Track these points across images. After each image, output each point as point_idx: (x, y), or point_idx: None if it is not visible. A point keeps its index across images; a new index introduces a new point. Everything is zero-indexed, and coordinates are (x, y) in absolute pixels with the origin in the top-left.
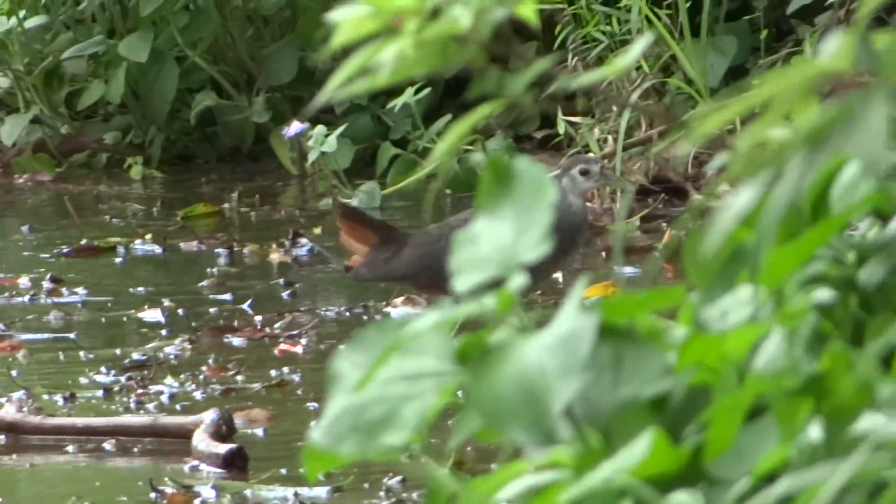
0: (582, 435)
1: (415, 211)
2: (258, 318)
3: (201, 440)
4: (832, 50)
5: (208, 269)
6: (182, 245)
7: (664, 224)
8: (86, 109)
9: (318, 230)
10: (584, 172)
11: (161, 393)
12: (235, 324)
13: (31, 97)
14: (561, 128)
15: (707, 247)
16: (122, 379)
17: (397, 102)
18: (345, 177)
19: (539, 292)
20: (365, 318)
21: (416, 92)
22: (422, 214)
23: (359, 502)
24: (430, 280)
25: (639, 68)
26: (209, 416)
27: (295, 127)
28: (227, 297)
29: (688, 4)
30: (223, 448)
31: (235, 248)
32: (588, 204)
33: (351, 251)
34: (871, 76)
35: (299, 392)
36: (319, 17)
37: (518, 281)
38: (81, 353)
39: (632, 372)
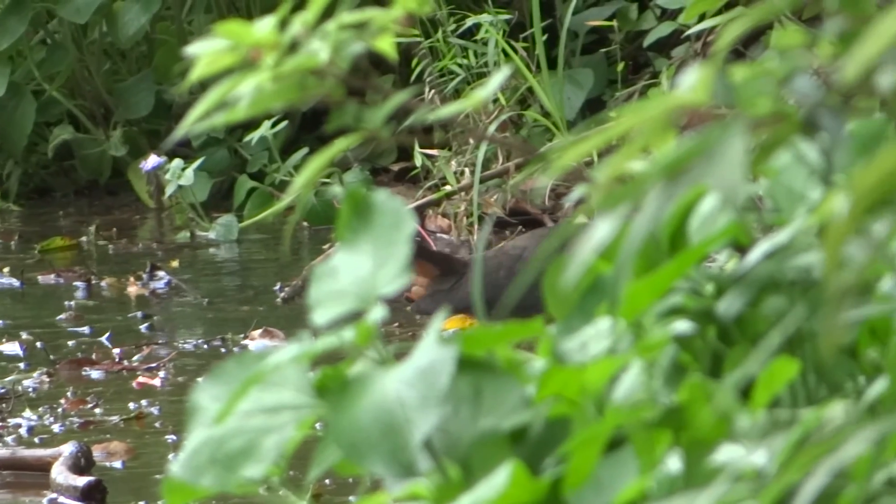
0: (441, 467)
1: (272, 244)
2: (116, 350)
3: (60, 473)
4: (690, 83)
5: (66, 303)
6: (40, 278)
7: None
8: None
9: (175, 263)
10: None
11: (19, 426)
12: (94, 357)
13: None
14: (418, 160)
15: (566, 279)
16: None
17: (254, 136)
18: (202, 210)
19: (396, 324)
20: (223, 350)
21: (274, 125)
22: (279, 247)
23: None
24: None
25: (496, 101)
26: (68, 448)
27: (152, 160)
28: (86, 329)
29: (544, 37)
30: (82, 481)
31: (93, 282)
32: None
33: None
34: (728, 109)
35: (158, 425)
36: (177, 51)
37: (377, 314)
38: None
39: (491, 404)
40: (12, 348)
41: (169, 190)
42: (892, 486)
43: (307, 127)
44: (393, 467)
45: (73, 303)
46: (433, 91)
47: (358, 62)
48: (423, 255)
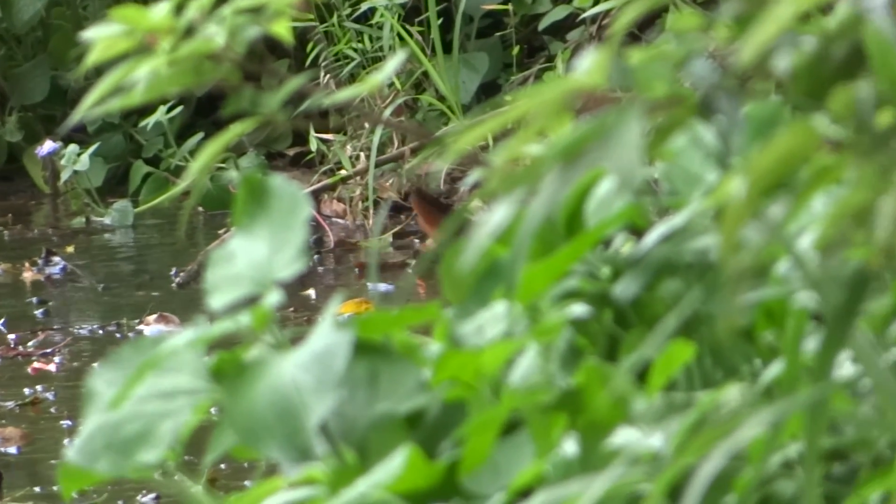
0: (337, 451)
1: (168, 229)
2: (11, 336)
3: None
4: (586, 66)
5: None
6: None
7: (417, 241)
8: None
9: (70, 248)
10: None
11: None
12: None
13: None
14: (313, 145)
15: (462, 263)
16: None
17: (150, 121)
18: (97, 195)
19: (292, 309)
20: (119, 336)
21: (169, 110)
22: (175, 232)
23: None
24: None
25: (391, 85)
26: None
27: (47, 146)
28: None
29: (439, 21)
30: None
31: None
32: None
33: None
34: (624, 92)
35: (53, 410)
36: (72, 36)
37: (273, 298)
38: None
39: (387, 388)
40: None
41: (64, 175)
42: (787, 468)
43: (203, 112)
44: (289, 451)
45: None
46: (329, 75)
47: (254, 46)
48: (440, 208)
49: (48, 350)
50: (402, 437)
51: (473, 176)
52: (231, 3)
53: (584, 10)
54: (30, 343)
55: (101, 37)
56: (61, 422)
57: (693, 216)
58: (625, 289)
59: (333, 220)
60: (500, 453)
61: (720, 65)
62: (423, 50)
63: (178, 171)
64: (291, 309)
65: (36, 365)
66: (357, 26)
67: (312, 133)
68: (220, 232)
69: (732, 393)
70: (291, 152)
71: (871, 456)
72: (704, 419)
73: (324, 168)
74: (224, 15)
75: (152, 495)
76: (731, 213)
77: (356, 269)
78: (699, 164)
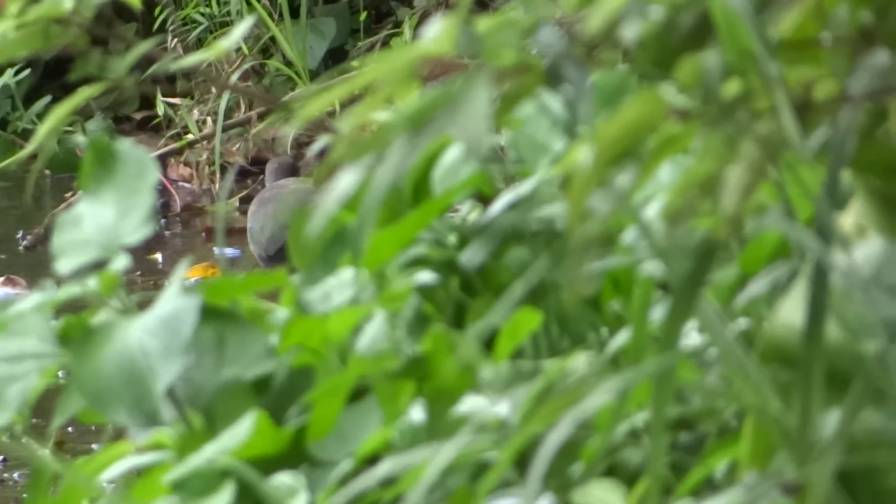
0: (184, 416)
1: (15, 192)
2: None
3: None
4: (433, 33)
5: None
6: None
7: None
8: None
9: None
10: None
11: None
12: None
13: None
14: (160, 109)
15: (309, 229)
16: None
17: None
18: None
19: (139, 273)
20: None
21: (16, 73)
22: (22, 195)
23: None
24: None
25: (238, 50)
26: None
27: None
28: None
29: None
30: None
31: None
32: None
33: None
34: (471, 59)
35: None
36: None
37: (120, 263)
38: None
39: (234, 353)
40: None
41: None
42: (634, 437)
43: (50, 75)
44: (136, 416)
45: None
46: (176, 40)
47: (101, 11)
48: None
49: None
50: (250, 403)
51: (320, 142)
52: None
53: None
54: None
55: None
56: None
57: (540, 184)
58: (471, 256)
59: (180, 184)
60: (347, 420)
61: (567, 33)
62: (270, 15)
63: (25, 134)
64: (139, 273)
65: None
66: None
67: (159, 97)
68: (68, 195)
69: (579, 361)
70: (139, 116)
71: (717, 425)
72: (551, 387)
73: (171, 132)
74: None
75: None
76: (578, 181)
77: (203, 234)
78: (546, 132)
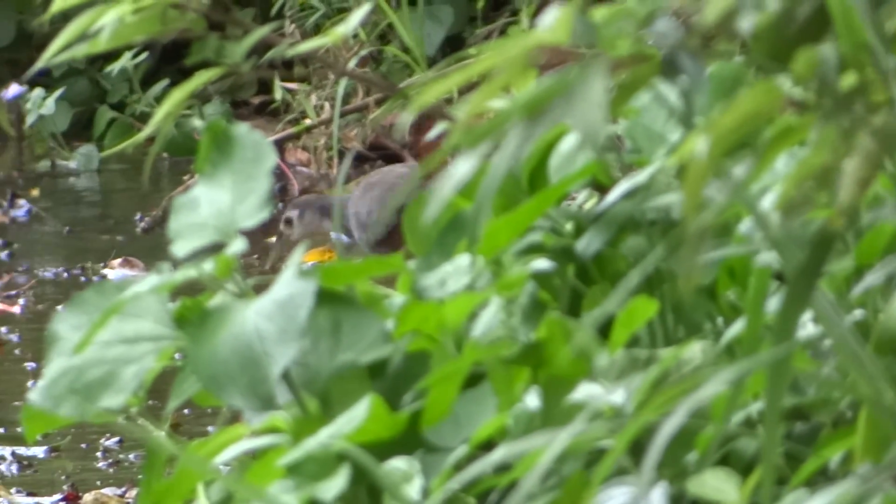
0: (300, 400)
1: (133, 174)
2: None
3: None
4: (550, 22)
5: None
6: None
7: None
8: None
9: (35, 192)
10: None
11: None
12: None
13: None
14: (278, 94)
15: (426, 215)
16: None
17: (115, 66)
18: (63, 139)
19: (256, 256)
20: (83, 279)
21: (135, 56)
22: (140, 178)
23: (77, 462)
24: None
25: (356, 36)
26: None
27: (13, 89)
28: None
29: None
30: None
31: None
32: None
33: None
34: (588, 49)
35: (17, 352)
36: None
37: (237, 246)
38: None
39: (350, 338)
40: None
41: (30, 119)
42: (749, 426)
43: (168, 58)
44: (251, 400)
45: None
46: (294, 25)
47: None
48: None
49: (12, 292)
50: (365, 388)
51: (438, 129)
52: None
53: None
54: None
55: None
56: (25, 364)
57: (656, 174)
58: (587, 244)
59: (298, 168)
60: (462, 406)
61: (683, 24)
62: (388, 1)
63: (143, 118)
64: (255, 256)
65: (0, 307)
66: None
67: (277, 82)
68: (185, 178)
69: (694, 350)
70: (256, 101)
71: (831, 416)
72: (666, 376)
73: (288, 117)
74: None
75: (115, 439)
76: (694, 171)
77: None
78: (662, 122)
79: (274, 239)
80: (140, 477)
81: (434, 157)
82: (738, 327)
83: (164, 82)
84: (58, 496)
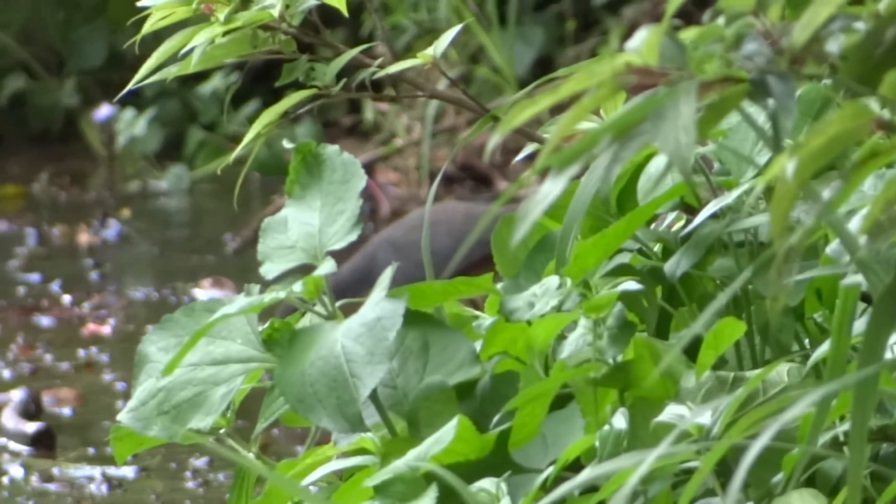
0: (388, 421)
1: (223, 194)
2: (66, 298)
3: (9, 419)
4: (639, 43)
5: (17, 249)
6: None
7: None
8: None
9: (126, 212)
10: None
11: None
12: (44, 304)
13: None
14: (369, 115)
15: (514, 237)
16: None
17: (206, 87)
18: (154, 159)
19: None
20: (173, 299)
21: (226, 77)
22: (230, 197)
23: (166, 482)
24: None
25: (446, 57)
26: (17, 395)
27: (105, 110)
28: (36, 277)
29: None
30: (31, 427)
31: (44, 229)
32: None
33: None
34: (677, 71)
35: (107, 372)
36: (130, 1)
37: (326, 268)
38: None
39: (438, 359)
40: None
41: (121, 139)
42: (835, 447)
43: (260, 78)
44: (339, 421)
45: (24, 250)
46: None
47: (308, 17)
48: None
49: (103, 312)
50: (453, 409)
51: (527, 150)
52: None
53: None
54: (85, 305)
55: (159, 4)
56: (115, 384)
57: (744, 196)
58: (676, 266)
59: (388, 188)
60: (550, 427)
61: (773, 46)
62: (479, 22)
63: (234, 137)
64: None
65: (91, 327)
66: None
67: (368, 102)
68: (275, 197)
69: (781, 372)
70: (347, 121)
71: None
72: (753, 397)
73: (379, 137)
74: None
75: (204, 459)
76: (782, 193)
77: None
78: (751, 144)
79: None
80: (228, 497)
81: (513, 186)
82: (824, 349)
83: (256, 103)
84: None
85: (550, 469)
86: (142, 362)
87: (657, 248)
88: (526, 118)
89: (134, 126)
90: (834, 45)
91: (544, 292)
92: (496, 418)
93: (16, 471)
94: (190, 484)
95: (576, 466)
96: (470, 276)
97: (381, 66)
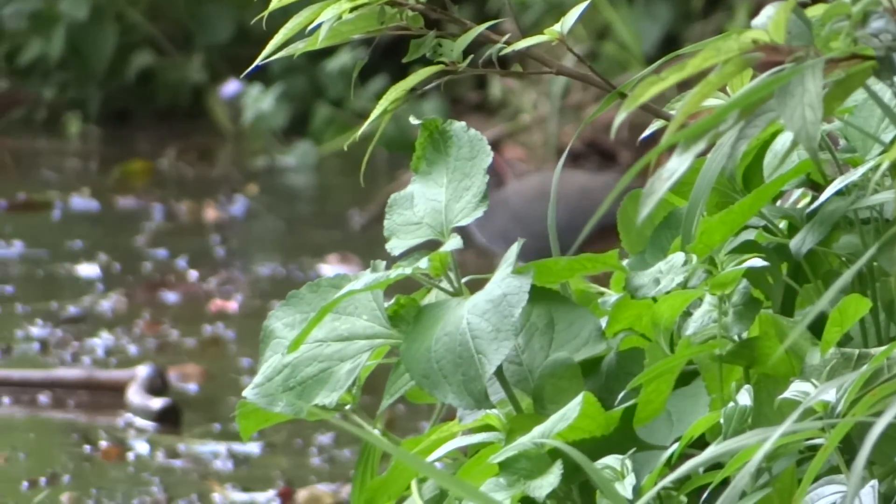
0: (513, 398)
1: (349, 170)
2: (193, 274)
3: (135, 394)
4: (766, 21)
5: (145, 224)
6: (119, 200)
7: None
8: (25, 65)
9: (253, 188)
10: None
11: (96, 347)
12: (171, 279)
13: None
14: (496, 91)
15: (640, 213)
16: (58, 332)
17: (333, 63)
18: (280, 136)
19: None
20: (299, 275)
21: (353, 52)
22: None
23: (291, 459)
24: None
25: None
26: (143, 370)
27: (232, 86)
28: (163, 252)
29: None
30: (157, 402)
31: (171, 205)
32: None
33: None
34: (804, 48)
35: (233, 348)
36: None
37: (452, 244)
38: (18, 307)
39: (564, 336)
40: (90, 270)
41: (248, 115)
42: None
43: (387, 54)
44: (464, 398)
45: (151, 225)
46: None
47: None
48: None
49: (229, 288)
50: (578, 386)
51: (654, 126)
52: None
53: None
54: (211, 281)
55: None
56: (241, 360)
57: (869, 172)
58: (801, 243)
59: (515, 165)
60: (674, 404)
61: None
62: None
63: (361, 113)
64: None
65: (217, 303)
66: None
67: (495, 79)
68: (401, 173)
69: None
70: (473, 97)
71: None
72: (878, 375)
73: (505, 113)
74: None
75: (330, 436)
76: None
77: None
78: (876, 121)
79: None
80: (353, 473)
81: (639, 162)
82: None
83: (383, 79)
84: (272, 492)
85: (675, 446)
86: (267, 338)
87: (783, 224)
88: (652, 95)
89: (261, 102)
90: None
91: (670, 269)
92: (621, 395)
93: (141, 447)
94: (315, 460)
95: (701, 443)
96: (589, 250)
97: (508, 43)
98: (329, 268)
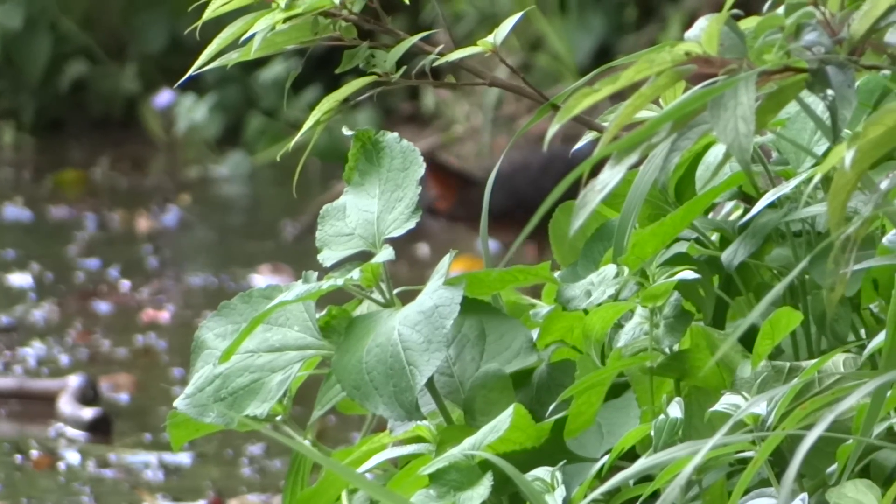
0: (444, 409)
1: (282, 180)
2: (124, 284)
3: (66, 404)
4: (699, 33)
5: (77, 234)
6: (52, 210)
7: None
8: None
9: (185, 197)
10: None
11: (28, 357)
12: (103, 289)
13: None
14: (429, 102)
15: (572, 225)
16: None
17: (266, 73)
18: (213, 145)
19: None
20: (231, 286)
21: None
22: (289, 184)
23: (222, 469)
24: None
25: (507, 44)
26: (75, 380)
27: (165, 96)
28: (95, 262)
29: None
30: (88, 412)
31: (104, 214)
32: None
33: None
34: (737, 60)
35: (164, 359)
36: None
37: (384, 256)
38: None
39: (495, 348)
40: (22, 279)
41: (181, 125)
42: (890, 438)
43: (320, 65)
44: (395, 409)
45: (84, 235)
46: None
47: (369, 4)
48: (440, 170)
49: (161, 298)
50: (509, 398)
51: (587, 138)
52: None
53: None
54: (143, 291)
55: None
56: (172, 370)
57: (801, 185)
58: (733, 255)
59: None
60: (605, 416)
61: (832, 36)
62: (540, 9)
63: (294, 124)
64: (404, 265)
65: (148, 313)
66: None
67: (428, 90)
68: (334, 184)
69: (837, 362)
70: (407, 108)
71: None
72: (809, 388)
73: (438, 124)
74: None
75: (260, 446)
76: (839, 183)
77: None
78: (809, 134)
79: (425, 246)
80: (284, 484)
81: (576, 171)
82: (880, 339)
83: (316, 89)
84: (202, 502)
85: (605, 458)
86: (199, 349)
87: (715, 237)
88: (585, 106)
89: (194, 112)
90: (893, 36)
91: (601, 281)
92: (552, 407)
93: (72, 457)
94: (246, 470)
95: (631, 456)
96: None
97: (442, 54)
98: (261, 278)
